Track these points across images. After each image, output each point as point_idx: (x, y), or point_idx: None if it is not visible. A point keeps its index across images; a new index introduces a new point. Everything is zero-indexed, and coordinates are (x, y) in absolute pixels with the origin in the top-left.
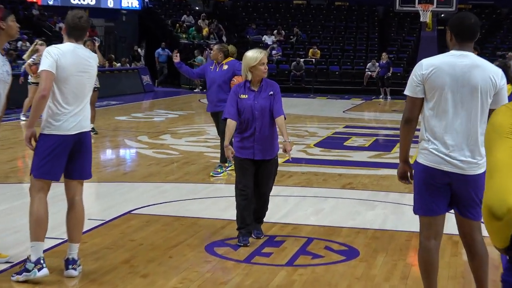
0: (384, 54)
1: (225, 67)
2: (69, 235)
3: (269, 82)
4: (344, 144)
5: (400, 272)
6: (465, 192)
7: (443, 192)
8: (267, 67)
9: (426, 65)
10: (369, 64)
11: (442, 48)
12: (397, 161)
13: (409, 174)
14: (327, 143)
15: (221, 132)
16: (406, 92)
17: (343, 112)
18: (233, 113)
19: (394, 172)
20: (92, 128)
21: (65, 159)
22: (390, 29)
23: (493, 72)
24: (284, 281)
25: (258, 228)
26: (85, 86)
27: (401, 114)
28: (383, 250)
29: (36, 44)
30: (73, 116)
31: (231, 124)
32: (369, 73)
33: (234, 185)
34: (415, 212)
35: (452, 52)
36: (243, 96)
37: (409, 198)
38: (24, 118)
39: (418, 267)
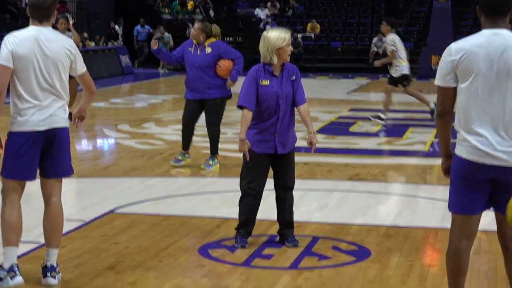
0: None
1: (208, 50)
2: (46, 240)
3: (290, 65)
4: (350, 129)
5: (417, 274)
6: (506, 187)
7: (483, 189)
8: (292, 48)
9: (455, 50)
10: (375, 39)
11: (457, 20)
12: (410, 148)
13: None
14: (330, 129)
15: (211, 123)
16: (436, 82)
17: (347, 93)
18: (252, 102)
19: (406, 160)
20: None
21: (36, 157)
22: (398, 0)
23: None
24: (288, 286)
25: (292, 234)
26: (52, 76)
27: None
28: (398, 250)
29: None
30: (41, 110)
31: (248, 115)
32: (376, 49)
33: (227, 179)
34: (450, 209)
35: (484, 31)
36: (264, 82)
37: (425, 190)
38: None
39: (446, 268)
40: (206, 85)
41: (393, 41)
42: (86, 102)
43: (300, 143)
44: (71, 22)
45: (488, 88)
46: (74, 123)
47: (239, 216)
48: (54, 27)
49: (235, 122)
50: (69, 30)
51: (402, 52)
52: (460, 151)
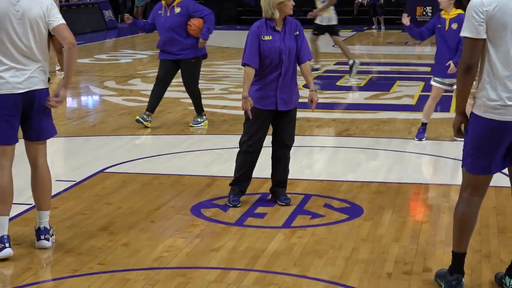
0: None
1: (177, 9)
2: (36, 203)
3: (292, 20)
4: (337, 84)
5: (410, 231)
6: None
7: (502, 148)
8: (293, 3)
9: (487, 1)
10: None
11: None
12: (398, 102)
13: (463, 127)
14: (317, 84)
15: (189, 83)
16: (464, 34)
17: (332, 46)
18: (256, 59)
19: (395, 114)
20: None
21: (16, 120)
22: None
23: None
24: (282, 245)
25: (284, 193)
26: (28, 37)
27: (398, 46)
28: (390, 206)
29: None
30: (18, 71)
31: (251, 72)
32: (360, 0)
33: (217, 136)
34: (469, 170)
35: None
36: (267, 38)
37: (414, 145)
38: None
39: (453, 223)
40: (179, 47)
41: None
42: (69, 64)
43: None
44: None
45: None
46: (47, 102)
47: (234, 172)
48: None
49: (222, 77)
50: None
51: (325, 2)
52: (481, 110)
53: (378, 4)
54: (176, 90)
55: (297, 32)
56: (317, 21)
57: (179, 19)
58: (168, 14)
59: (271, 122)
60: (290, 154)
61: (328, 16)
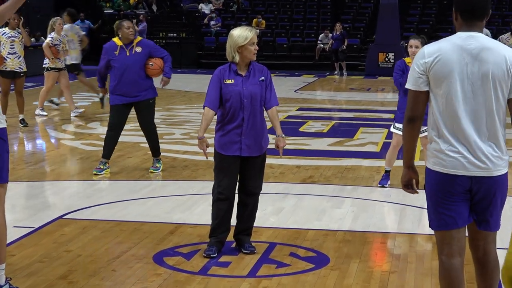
0: (338, 24)
1: (138, 49)
2: None
3: (258, 66)
4: (300, 130)
5: (378, 281)
6: (487, 198)
7: (463, 200)
8: (257, 48)
9: (428, 52)
10: (321, 36)
11: (404, 16)
12: (362, 149)
13: (414, 181)
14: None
15: (147, 124)
16: (407, 86)
17: (295, 91)
18: (215, 102)
19: (359, 161)
20: (22, 120)
21: None
22: None
23: (508, 54)
24: None
25: (248, 241)
26: None
27: (360, 93)
28: (356, 256)
29: (51, 22)
30: None
31: (209, 113)
32: (322, 45)
33: (178, 182)
34: (433, 228)
35: (459, 34)
36: (228, 81)
37: (379, 193)
38: (41, 113)
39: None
40: (138, 88)
41: (66, 31)
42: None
43: None
44: (21, 21)
45: (464, 93)
46: None
47: (211, 222)
48: (6, 23)
49: (183, 122)
50: (19, 27)
51: (75, 43)
52: (433, 163)
53: (340, 49)
54: (135, 135)
55: (262, 78)
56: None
57: (140, 59)
58: (127, 54)
59: (239, 168)
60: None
61: (75, 56)
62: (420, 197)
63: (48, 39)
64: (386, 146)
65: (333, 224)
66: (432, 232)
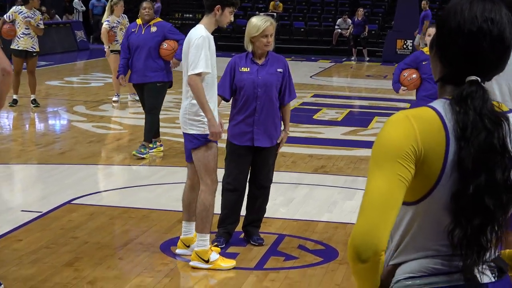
0: (360, 9)
1: (154, 28)
2: None
3: (276, 56)
4: (314, 117)
5: None
6: None
7: None
8: (271, 40)
9: None
10: (339, 20)
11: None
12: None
13: None
14: (294, 116)
15: (150, 108)
16: None
17: (310, 77)
18: (226, 89)
19: (367, 152)
20: (33, 100)
21: None
22: None
23: None
24: None
25: (257, 233)
26: None
27: (377, 80)
28: None
29: (111, 3)
30: None
31: (219, 100)
32: (339, 30)
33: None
34: None
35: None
36: (244, 69)
37: None
38: (114, 98)
39: None
40: (148, 68)
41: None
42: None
43: None
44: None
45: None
46: None
47: (220, 212)
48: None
49: None
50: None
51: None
52: None
53: (362, 36)
54: None
55: (280, 70)
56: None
57: (154, 38)
58: (142, 33)
59: (251, 159)
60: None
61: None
62: None
63: (105, 24)
64: None
65: (344, 216)
66: None
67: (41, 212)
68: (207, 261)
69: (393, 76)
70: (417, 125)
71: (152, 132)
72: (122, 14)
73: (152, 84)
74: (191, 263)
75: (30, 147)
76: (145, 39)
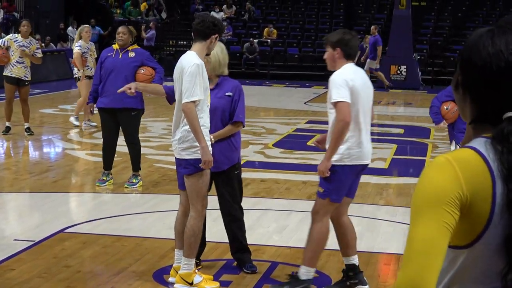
0: (368, 36)
1: (132, 54)
2: None
3: (225, 81)
4: (308, 143)
5: None
6: None
7: None
8: (210, 59)
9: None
10: None
11: (417, 28)
12: (370, 165)
13: None
14: (288, 143)
15: (130, 139)
16: None
17: (305, 103)
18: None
19: (365, 179)
20: (27, 129)
21: None
22: (357, 5)
23: None
24: None
25: (249, 258)
26: None
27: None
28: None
29: (79, 29)
30: None
31: None
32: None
33: None
34: None
35: None
36: None
37: (385, 212)
38: (74, 122)
39: None
40: (122, 93)
41: None
42: None
43: (256, 157)
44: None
45: None
46: None
47: None
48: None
49: None
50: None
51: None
52: None
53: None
54: (142, 146)
55: (230, 93)
56: None
57: (132, 64)
58: (120, 57)
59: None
60: (258, 217)
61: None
62: None
63: (77, 48)
64: (394, 162)
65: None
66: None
67: (34, 241)
68: (191, 284)
69: (431, 108)
70: (460, 169)
71: (138, 160)
72: (90, 41)
73: (127, 111)
74: (175, 286)
75: (24, 175)
76: (122, 64)
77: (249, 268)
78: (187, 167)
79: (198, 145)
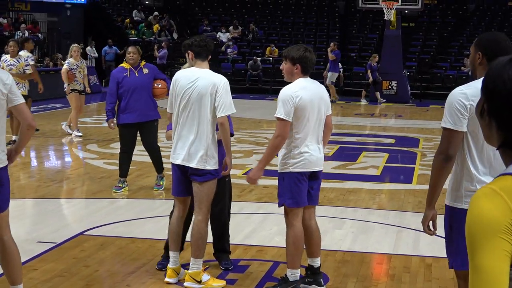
0: (375, 55)
1: (146, 70)
2: (9, 279)
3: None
4: None
5: None
6: None
7: None
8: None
9: (471, 95)
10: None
11: (407, 47)
12: (364, 172)
13: (432, 222)
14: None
15: (151, 146)
16: (447, 125)
17: None
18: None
19: (360, 185)
20: (13, 141)
21: None
22: (351, 26)
23: None
24: None
25: (226, 258)
26: None
27: (364, 118)
28: (354, 275)
29: (71, 48)
30: None
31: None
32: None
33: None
34: (461, 268)
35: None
36: None
37: (378, 215)
38: (77, 134)
39: None
40: (148, 107)
41: None
42: (22, 141)
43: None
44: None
45: None
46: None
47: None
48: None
49: None
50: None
51: None
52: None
53: (377, 80)
54: None
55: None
56: None
57: (149, 79)
58: (136, 75)
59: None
60: (260, 220)
61: None
62: (416, 220)
63: (66, 65)
64: (386, 169)
65: (334, 244)
66: (426, 254)
67: (55, 242)
68: (199, 282)
69: None
70: (507, 197)
71: (161, 162)
72: (81, 59)
73: (151, 122)
74: (185, 284)
75: (47, 183)
76: (143, 81)
77: (223, 265)
78: (205, 175)
79: (217, 156)
